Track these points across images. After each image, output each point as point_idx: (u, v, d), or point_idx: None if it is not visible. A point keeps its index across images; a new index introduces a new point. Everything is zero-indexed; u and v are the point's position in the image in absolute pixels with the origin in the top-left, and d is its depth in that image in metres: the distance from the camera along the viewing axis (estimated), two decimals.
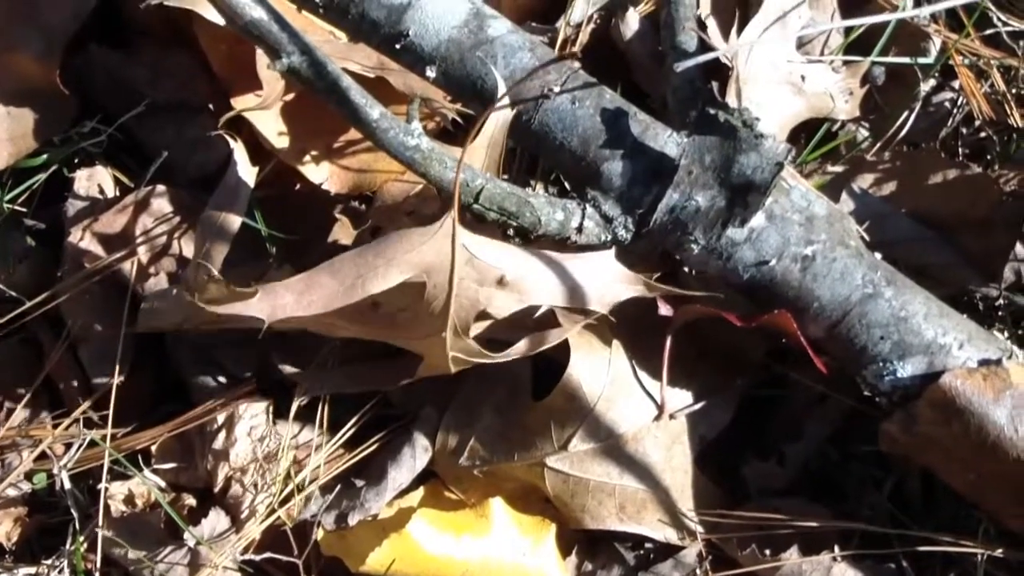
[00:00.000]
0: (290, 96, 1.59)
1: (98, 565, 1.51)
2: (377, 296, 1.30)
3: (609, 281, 1.37)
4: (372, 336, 1.44)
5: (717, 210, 1.35)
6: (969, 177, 1.56)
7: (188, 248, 1.59)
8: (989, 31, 1.66)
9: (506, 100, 1.36)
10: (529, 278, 1.34)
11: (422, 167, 1.30)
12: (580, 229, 1.37)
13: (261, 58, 1.49)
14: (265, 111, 1.57)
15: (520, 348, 1.39)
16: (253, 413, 1.53)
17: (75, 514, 1.53)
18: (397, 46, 1.42)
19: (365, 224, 1.57)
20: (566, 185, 1.57)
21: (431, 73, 1.41)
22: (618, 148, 1.38)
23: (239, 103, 1.57)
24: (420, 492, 1.52)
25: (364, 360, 1.55)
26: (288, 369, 1.55)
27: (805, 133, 1.64)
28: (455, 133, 1.62)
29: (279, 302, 1.30)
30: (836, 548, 1.43)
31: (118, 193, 1.65)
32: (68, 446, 1.57)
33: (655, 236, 1.38)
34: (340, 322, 1.36)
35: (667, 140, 1.38)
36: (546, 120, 1.40)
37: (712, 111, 1.35)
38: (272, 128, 1.57)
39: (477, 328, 1.36)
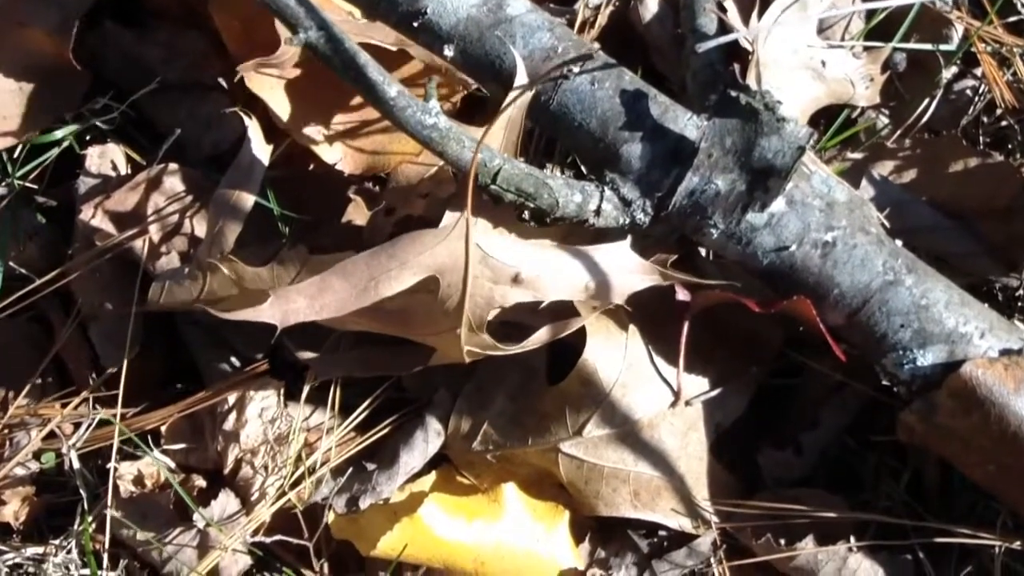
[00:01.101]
0: (304, 74, 1.57)
1: (106, 546, 1.50)
2: None
3: (625, 272, 1.36)
4: (384, 331, 1.43)
5: (737, 194, 1.33)
6: (990, 165, 1.55)
7: (200, 227, 1.58)
8: (1012, 18, 1.64)
9: (525, 80, 1.34)
10: (544, 274, 1.33)
11: (439, 146, 1.29)
12: (598, 212, 1.35)
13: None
14: (279, 93, 1.55)
15: (537, 339, 1.38)
16: (264, 395, 1.52)
17: (83, 494, 1.53)
18: (415, 24, 1.40)
19: (379, 205, 1.55)
20: (583, 168, 1.56)
21: (449, 52, 1.40)
22: (637, 130, 1.36)
23: (253, 81, 1.55)
24: (432, 476, 1.51)
25: (376, 344, 1.54)
26: (301, 353, 1.53)
27: (825, 119, 1.62)
28: (471, 114, 1.60)
29: (291, 307, 1.30)
30: (852, 538, 1.42)
31: (130, 171, 1.64)
32: (77, 425, 1.57)
33: (674, 220, 1.36)
34: (352, 318, 1.35)
35: (687, 123, 1.36)
36: (565, 101, 1.38)
37: (733, 93, 1.33)
38: (286, 108, 1.56)
39: (490, 314, 1.35)
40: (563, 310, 1.39)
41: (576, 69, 1.37)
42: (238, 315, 1.31)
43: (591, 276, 1.35)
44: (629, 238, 1.37)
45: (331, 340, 1.54)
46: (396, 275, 1.29)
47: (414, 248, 1.29)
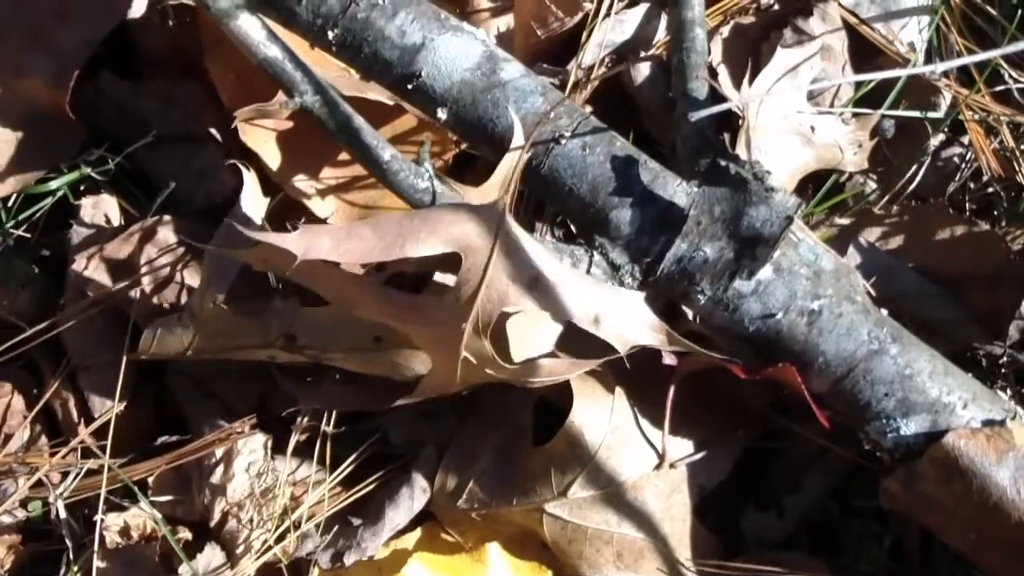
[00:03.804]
0: (296, 128, 1.58)
1: None
2: None
3: (634, 323, 1.36)
4: (389, 318, 1.38)
5: (725, 262, 1.35)
6: (977, 234, 1.56)
7: (192, 279, 1.58)
8: (1000, 87, 1.65)
9: (521, 143, 1.35)
10: (561, 290, 1.32)
11: None
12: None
13: None
14: (272, 146, 1.56)
15: (548, 368, 1.37)
16: (252, 448, 1.53)
17: (69, 544, 1.53)
18: (409, 86, 1.41)
19: None
20: (572, 229, 1.57)
21: (442, 115, 1.41)
22: (627, 196, 1.37)
23: (247, 134, 1.57)
24: (417, 533, 1.51)
25: (362, 384, 1.53)
26: (289, 386, 1.54)
27: (813, 184, 1.63)
28: (463, 171, 1.61)
29: (316, 242, 1.27)
30: None
31: (123, 222, 1.65)
32: (65, 475, 1.57)
33: (662, 285, 1.37)
34: (364, 297, 1.34)
35: (676, 189, 1.37)
36: (556, 165, 1.39)
37: (723, 163, 1.35)
38: (279, 162, 1.57)
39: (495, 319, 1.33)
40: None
41: (568, 134, 1.39)
42: (265, 237, 1.29)
43: (603, 312, 1.34)
44: (645, 292, 1.37)
45: (319, 383, 1.55)
46: (424, 239, 1.27)
47: (447, 219, 1.28)
